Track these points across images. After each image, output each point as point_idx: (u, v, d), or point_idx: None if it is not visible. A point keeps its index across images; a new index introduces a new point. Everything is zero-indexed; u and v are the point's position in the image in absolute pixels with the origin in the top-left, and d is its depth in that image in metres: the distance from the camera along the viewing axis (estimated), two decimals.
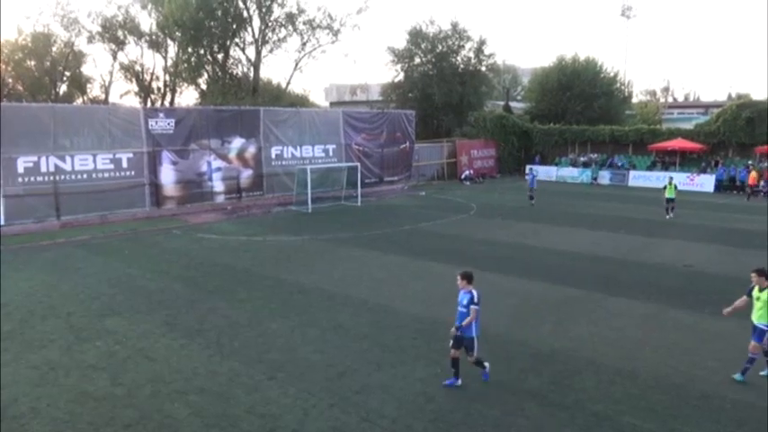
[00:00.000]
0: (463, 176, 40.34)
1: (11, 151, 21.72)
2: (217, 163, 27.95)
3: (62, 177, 22.99)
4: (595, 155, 41.86)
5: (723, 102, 47.84)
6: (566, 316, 12.54)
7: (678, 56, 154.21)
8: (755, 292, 9.42)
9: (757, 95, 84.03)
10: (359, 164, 30.87)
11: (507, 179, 41.95)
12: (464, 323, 8.98)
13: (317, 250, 19.21)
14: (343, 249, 19.25)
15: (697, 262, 17.29)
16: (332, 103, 69.57)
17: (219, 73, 45.23)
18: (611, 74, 49.19)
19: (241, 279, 15.57)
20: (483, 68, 47.60)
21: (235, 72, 46.30)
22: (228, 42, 44.11)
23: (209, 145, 27.66)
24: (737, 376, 9.37)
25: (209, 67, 45.43)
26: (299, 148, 31.14)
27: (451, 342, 9.22)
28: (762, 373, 9.45)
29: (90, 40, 46.79)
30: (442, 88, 44.10)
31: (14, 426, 8.02)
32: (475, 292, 9.05)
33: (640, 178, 38.06)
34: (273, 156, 30.17)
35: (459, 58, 46.87)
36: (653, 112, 58.43)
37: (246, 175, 29.19)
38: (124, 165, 24.79)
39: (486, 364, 9.41)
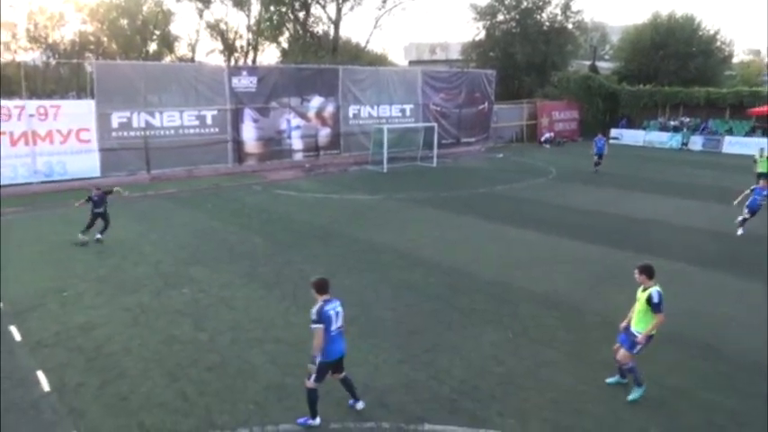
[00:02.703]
0: (543, 139, 39.10)
1: (106, 107, 22.97)
2: (296, 121, 28.43)
3: (152, 133, 24.14)
4: (687, 119, 39.38)
5: None
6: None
7: None
8: (638, 293, 7.79)
9: None
10: (436, 124, 30.52)
11: (589, 143, 40.32)
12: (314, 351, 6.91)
13: (391, 210, 19.33)
14: (417, 210, 19.28)
15: None
16: (411, 62, 68.73)
17: (300, 31, 45.59)
18: (711, 31, 45.70)
19: (317, 235, 15.95)
20: (569, 26, 45.46)
21: (315, 30, 46.55)
22: (310, 0, 44.24)
23: (290, 103, 28.13)
24: (636, 394, 7.76)
25: (290, 26, 45.89)
26: (376, 107, 31.10)
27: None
28: (631, 397, 7.80)
29: None
30: (524, 47, 42.51)
31: (109, 362, 8.69)
32: (315, 308, 6.88)
33: (737, 145, 35.46)
34: (351, 115, 30.31)
35: (544, 14, 44.92)
36: (756, 73, 54.12)
37: (324, 133, 29.55)
38: (209, 121, 25.68)
39: (318, 420, 7.14)
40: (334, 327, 6.97)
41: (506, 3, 44.85)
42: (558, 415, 7.50)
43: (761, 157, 22.69)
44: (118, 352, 9.02)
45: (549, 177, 25.96)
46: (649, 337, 7.68)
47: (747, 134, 36.34)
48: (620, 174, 26.77)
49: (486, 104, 36.24)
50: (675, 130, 39.06)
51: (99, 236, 14.95)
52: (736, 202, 16.55)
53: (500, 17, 45.62)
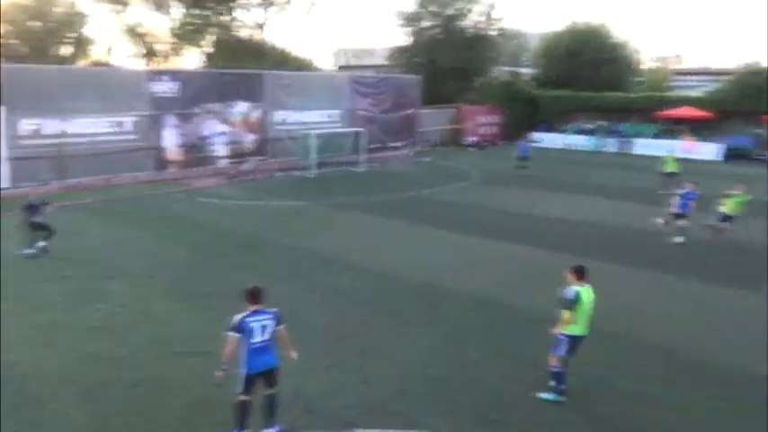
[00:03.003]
0: (468, 143, 40.08)
1: (14, 113, 21.64)
2: (220, 127, 27.82)
3: (66, 140, 22.93)
4: (604, 122, 41.41)
5: (735, 69, 46.82)
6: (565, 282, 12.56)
7: (692, 23, 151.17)
8: None
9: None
10: (363, 129, 30.61)
11: (511, 146, 41.65)
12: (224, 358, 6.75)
13: (319, 215, 19.24)
14: (345, 215, 19.28)
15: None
16: (341, 67, 68.74)
17: (225, 36, 44.66)
18: (621, 40, 48.20)
19: (242, 243, 15.65)
20: (492, 33, 46.82)
21: (240, 35, 45.72)
22: (234, 3, 43.45)
23: (213, 109, 27.49)
24: (548, 395, 7.91)
25: (214, 30, 44.83)
26: (303, 112, 30.89)
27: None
28: (543, 395, 7.96)
29: None
30: (449, 53, 43.44)
31: (20, 385, 8.17)
32: (238, 316, 6.72)
33: (647, 146, 37.59)
34: (278, 120, 29.98)
35: (467, 21, 46.08)
36: (662, 79, 57.46)
37: (250, 139, 29.08)
38: (127, 128, 24.70)
39: None
40: (257, 339, 6.75)
41: (431, 10, 45.71)
42: (486, 411, 7.69)
43: (672, 159, 24.16)
44: (30, 374, 8.49)
45: (473, 180, 26.59)
46: (574, 338, 7.91)
47: (656, 136, 38.56)
48: (541, 176, 27.76)
49: (412, 109, 36.74)
50: (591, 133, 40.97)
51: (44, 243, 14.27)
52: (672, 210, 16.27)
53: (425, 23, 46.43)
